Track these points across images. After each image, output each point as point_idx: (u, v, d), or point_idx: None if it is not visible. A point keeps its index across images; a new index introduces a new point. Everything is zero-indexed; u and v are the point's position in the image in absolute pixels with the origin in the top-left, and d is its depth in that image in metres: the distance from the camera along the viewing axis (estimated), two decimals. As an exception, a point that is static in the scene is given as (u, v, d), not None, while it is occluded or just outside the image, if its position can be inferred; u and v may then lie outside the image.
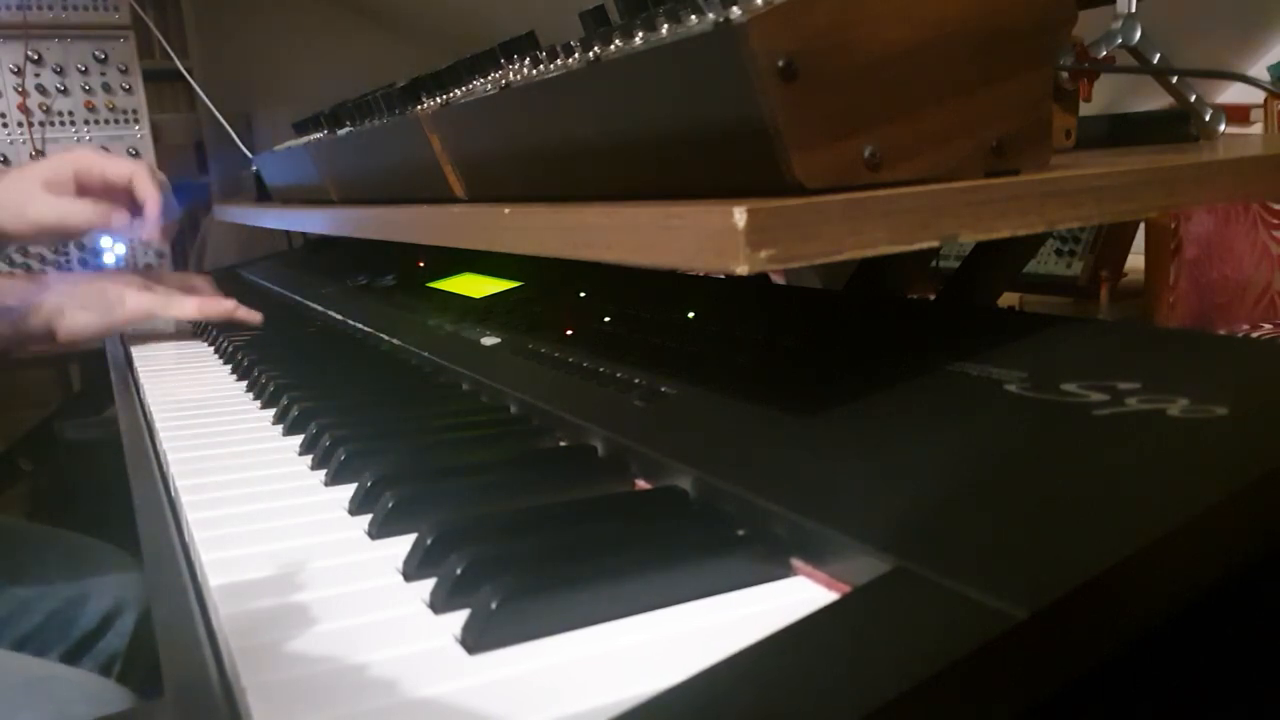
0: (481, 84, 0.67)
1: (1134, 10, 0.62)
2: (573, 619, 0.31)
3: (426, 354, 0.72)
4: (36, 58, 1.63)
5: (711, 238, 0.35)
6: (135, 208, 0.97)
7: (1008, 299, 0.99)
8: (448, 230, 0.64)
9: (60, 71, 1.65)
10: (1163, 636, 0.27)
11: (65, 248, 1.60)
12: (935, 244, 0.37)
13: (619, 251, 0.41)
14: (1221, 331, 0.93)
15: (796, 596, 0.32)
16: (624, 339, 0.61)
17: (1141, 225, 0.99)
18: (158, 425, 0.63)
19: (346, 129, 0.92)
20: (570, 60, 0.53)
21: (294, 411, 0.59)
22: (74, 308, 0.88)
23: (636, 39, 0.46)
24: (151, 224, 0.96)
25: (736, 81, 0.37)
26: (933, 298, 0.73)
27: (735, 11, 0.37)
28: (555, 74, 0.51)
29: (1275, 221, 0.96)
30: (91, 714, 0.64)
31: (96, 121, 1.68)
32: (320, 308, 1.05)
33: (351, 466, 0.48)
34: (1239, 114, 1.17)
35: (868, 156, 0.38)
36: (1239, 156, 0.49)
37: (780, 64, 0.35)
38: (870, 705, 0.22)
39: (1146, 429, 0.33)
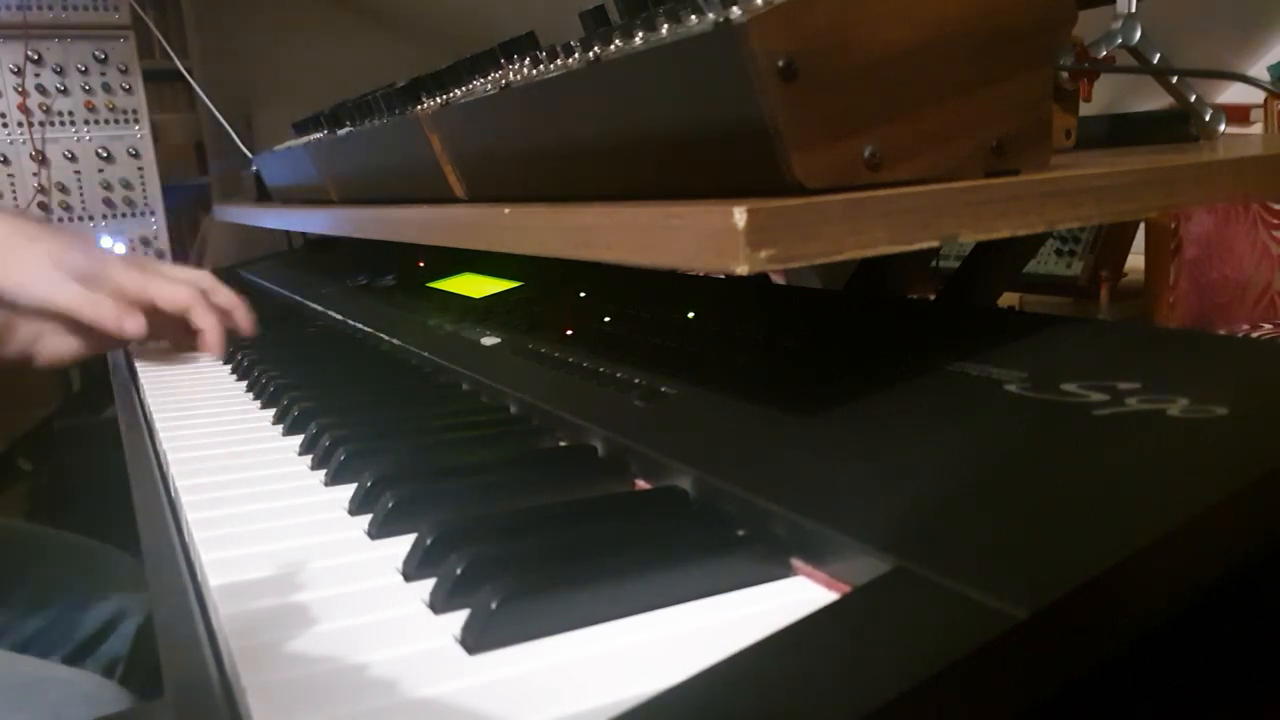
0: (481, 84, 0.67)
1: (1134, 10, 0.62)
2: (573, 619, 0.31)
3: (426, 354, 0.72)
4: (36, 58, 1.63)
5: (711, 238, 0.35)
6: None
7: (1008, 299, 0.99)
8: (448, 230, 0.64)
9: (60, 71, 1.65)
10: (1163, 636, 0.27)
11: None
12: (935, 244, 0.37)
13: (619, 251, 0.41)
14: (1221, 331, 0.93)
15: (796, 596, 0.32)
16: (624, 339, 0.61)
17: (1141, 225, 0.99)
18: (158, 425, 0.63)
19: (346, 129, 0.92)
20: (570, 60, 0.53)
21: (294, 411, 0.59)
22: (53, 330, 0.76)
23: (636, 39, 0.46)
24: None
25: (736, 81, 0.37)
26: (933, 298, 0.73)
27: (735, 11, 0.37)
28: (555, 74, 0.51)
29: (1275, 221, 0.96)
30: (89, 715, 0.64)
31: (96, 121, 1.68)
32: (320, 308, 1.05)
33: (351, 466, 0.48)
34: (1239, 114, 1.17)
35: (868, 156, 0.38)
36: (1239, 156, 0.49)
37: (780, 64, 0.35)
38: (870, 705, 0.22)
39: (1146, 429, 0.33)
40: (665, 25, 0.44)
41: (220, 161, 2.02)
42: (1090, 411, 0.35)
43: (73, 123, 1.66)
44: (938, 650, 0.24)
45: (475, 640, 0.30)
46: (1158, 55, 0.63)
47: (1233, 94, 1.33)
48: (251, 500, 0.46)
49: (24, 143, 1.63)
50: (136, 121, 1.71)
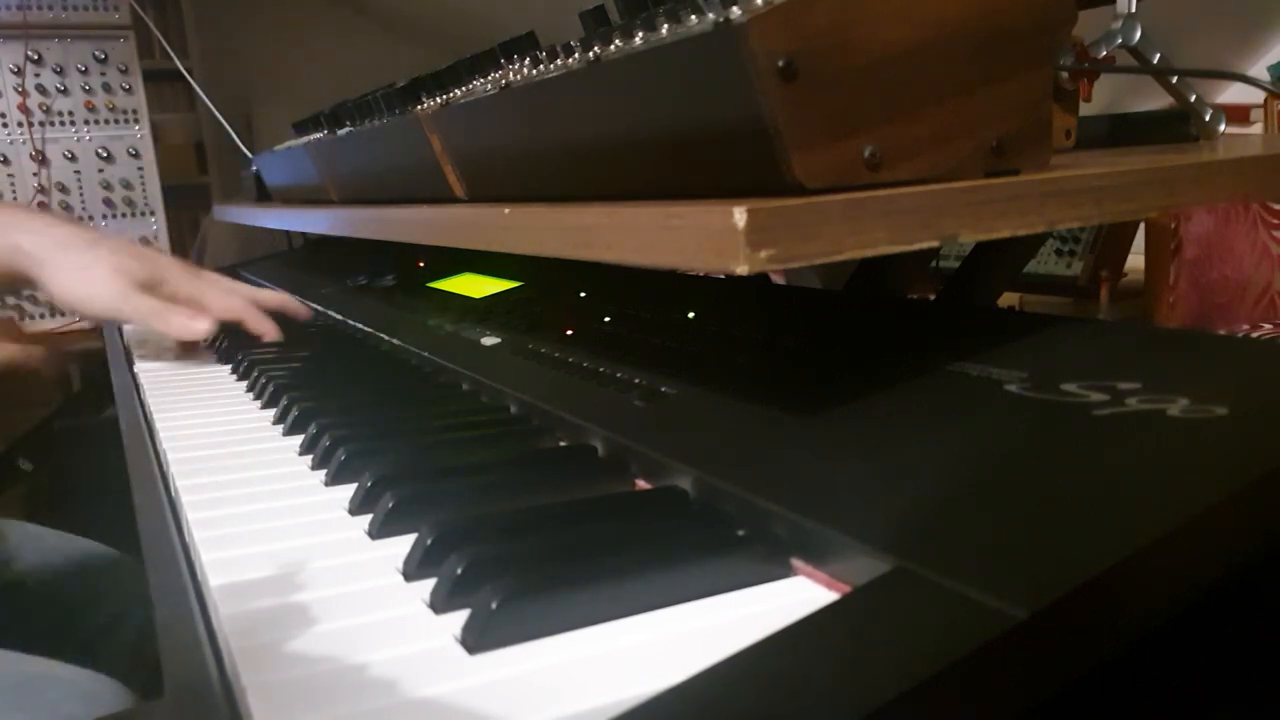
0: (481, 84, 0.67)
1: (1134, 10, 0.62)
2: (573, 619, 0.31)
3: (426, 354, 0.72)
4: (36, 58, 1.63)
5: (711, 238, 0.35)
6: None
7: (1008, 299, 0.99)
8: (448, 230, 0.64)
9: (60, 71, 1.65)
10: (1163, 636, 0.27)
11: None
12: (935, 244, 0.37)
13: (619, 251, 0.41)
14: (1221, 331, 0.93)
15: (796, 596, 0.32)
16: (624, 339, 0.61)
17: (1141, 225, 0.99)
18: (158, 425, 0.63)
19: (346, 129, 0.92)
20: (570, 60, 0.53)
21: (294, 412, 0.59)
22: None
23: (636, 39, 0.46)
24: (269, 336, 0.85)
25: (736, 81, 0.37)
26: (933, 298, 0.73)
27: (735, 11, 0.37)
28: (555, 74, 0.51)
29: (1275, 221, 0.96)
30: (88, 714, 0.64)
31: (96, 121, 1.68)
32: (320, 308, 1.05)
33: (352, 466, 0.48)
34: (1239, 114, 1.17)
35: (868, 156, 0.38)
36: (1239, 156, 0.49)
37: (780, 64, 0.35)
38: (870, 705, 0.22)
39: (1146, 429, 0.33)
40: (665, 25, 0.44)
41: (220, 161, 2.02)
42: (1090, 411, 0.35)
43: (73, 123, 1.67)
44: (938, 650, 0.24)
45: (475, 640, 0.30)
46: (1158, 55, 0.63)
47: (1233, 94, 1.33)
48: (252, 500, 0.46)
49: (24, 143, 1.63)
50: (136, 121, 1.71)
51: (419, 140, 0.71)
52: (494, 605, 0.30)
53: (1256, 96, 1.15)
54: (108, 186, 1.69)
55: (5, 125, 1.62)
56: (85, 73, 1.67)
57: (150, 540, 0.44)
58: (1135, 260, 1.03)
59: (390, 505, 0.41)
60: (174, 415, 0.66)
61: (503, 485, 0.44)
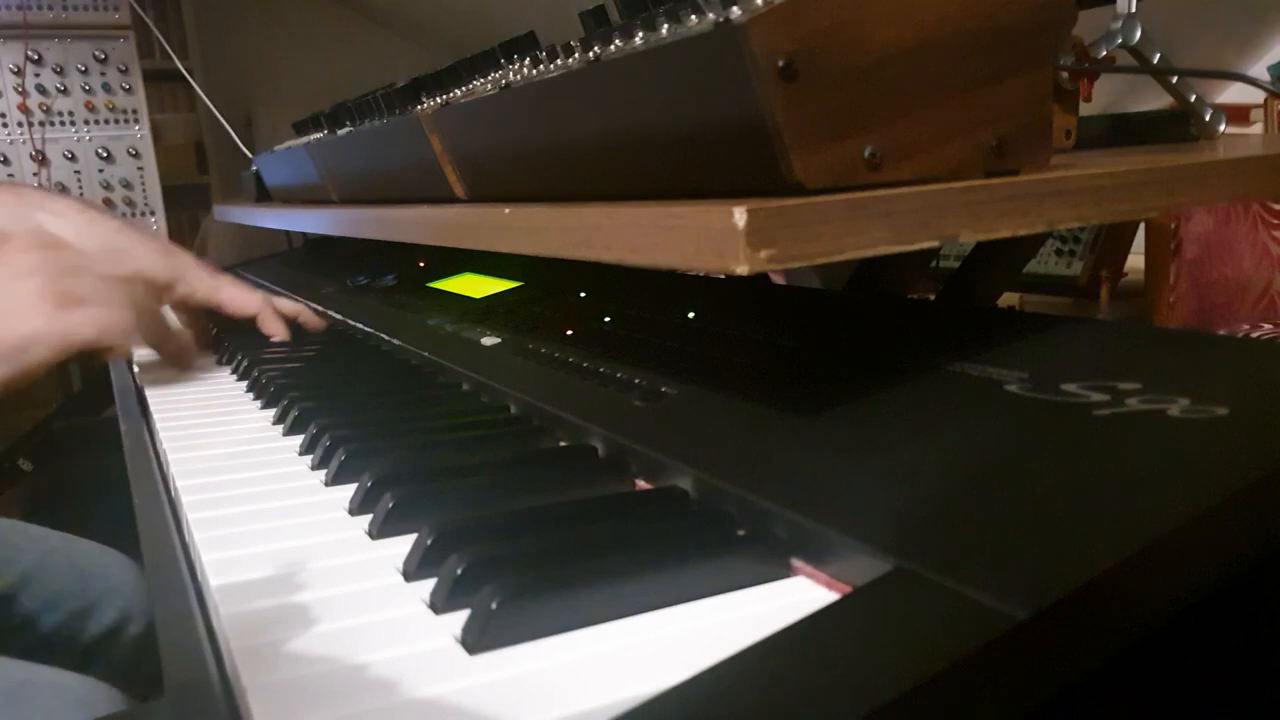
0: (481, 84, 0.67)
1: (1134, 10, 0.62)
2: (573, 619, 0.31)
3: (426, 354, 0.72)
4: (36, 58, 1.63)
5: (711, 238, 0.35)
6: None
7: (1008, 299, 0.99)
8: (448, 230, 0.64)
9: (60, 71, 1.65)
10: (1163, 636, 0.27)
11: None
12: (935, 244, 0.37)
13: (619, 251, 0.41)
14: (1221, 331, 0.93)
15: (796, 596, 0.32)
16: (624, 339, 0.61)
17: (1141, 225, 0.99)
18: (158, 425, 0.63)
19: (346, 129, 0.92)
20: (570, 60, 0.53)
21: (294, 412, 0.59)
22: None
23: (636, 39, 0.46)
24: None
25: (736, 81, 0.37)
26: (933, 298, 0.73)
27: (735, 11, 0.37)
28: (555, 74, 0.51)
29: (1275, 221, 0.96)
30: (81, 719, 0.64)
31: (96, 121, 1.68)
32: (320, 308, 1.05)
33: (352, 467, 0.48)
34: (1239, 114, 1.17)
35: (868, 156, 0.38)
36: (1239, 156, 0.49)
37: (780, 64, 0.35)
38: (870, 705, 0.22)
39: (1146, 429, 0.33)
40: (665, 25, 0.44)
41: (220, 161, 2.02)
42: (1090, 411, 0.35)
43: (73, 123, 1.67)
44: (938, 650, 0.24)
45: (475, 640, 0.30)
46: (1158, 55, 0.63)
47: (1233, 94, 1.33)
48: (252, 500, 0.46)
49: (24, 143, 1.63)
50: (136, 121, 1.71)
51: (419, 140, 0.71)
52: (494, 605, 0.30)
53: (1256, 96, 1.15)
54: (108, 186, 1.69)
55: (5, 125, 1.62)
56: (85, 73, 1.67)
57: (150, 540, 0.44)
58: (1135, 260, 1.03)
59: (390, 505, 0.41)
60: (174, 415, 0.65)
61: (503, 485, 0.44)
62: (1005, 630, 0.24)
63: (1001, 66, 0.41)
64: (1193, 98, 0.64)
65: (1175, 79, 0.64)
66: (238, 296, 0.83)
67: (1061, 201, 0.40)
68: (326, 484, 0.48)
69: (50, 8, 1.63)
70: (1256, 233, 0.96)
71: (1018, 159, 0.42)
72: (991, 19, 0.40)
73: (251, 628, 0.32)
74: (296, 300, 0.94)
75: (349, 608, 0.34)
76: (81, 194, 1.68)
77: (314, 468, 0.51)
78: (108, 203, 1.70)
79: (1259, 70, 1.36)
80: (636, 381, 0.52)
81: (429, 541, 0.36)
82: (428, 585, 0.34)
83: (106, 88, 1.68)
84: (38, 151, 1.64)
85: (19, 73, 1.62)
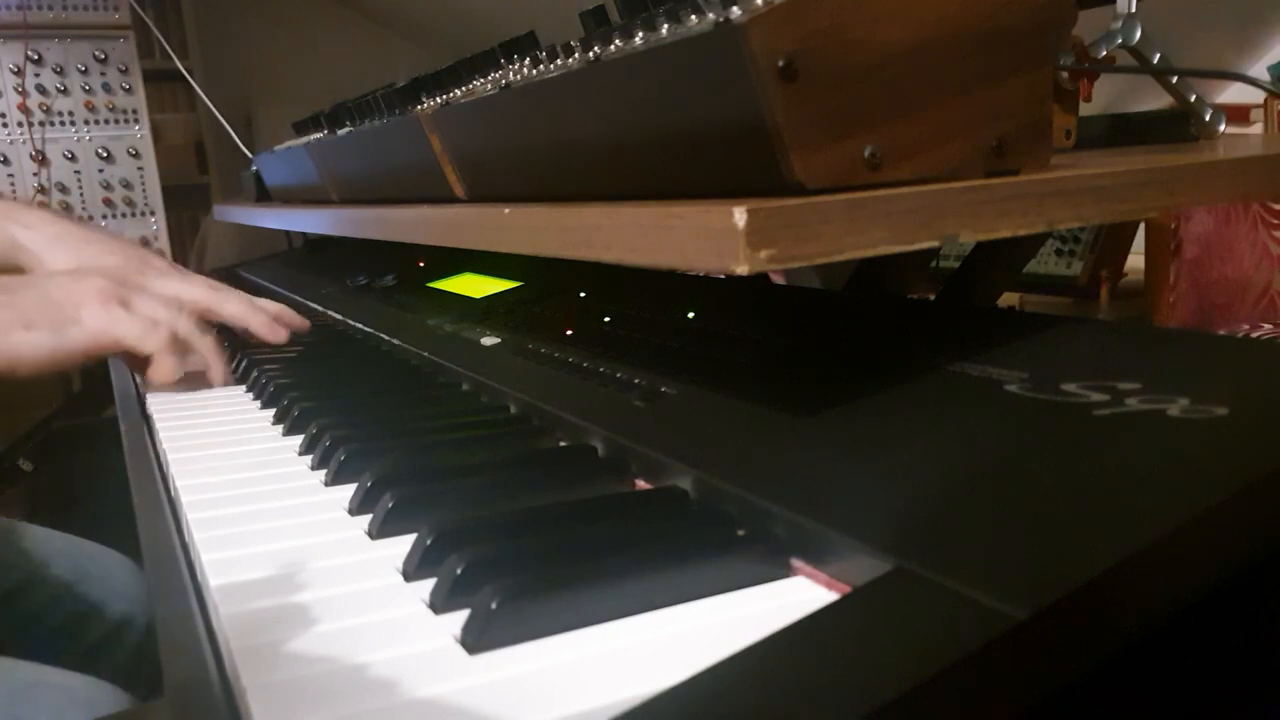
0: (481, 84, 0.67)
1: (1134, 10, 0.62)
2: (573, 619, 0.31)
3: (426, 354, 0.72)
4: (36, 58, 1.63)
5: (711, 238, 0.35)
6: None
7: (1008, 299, 0.99)
8: (448, 230, 0.64)
9: (60, 71, 1.65)
10: (1163, 636, 0.27)
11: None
12: (935, 244, 0.37)
13: (619, 251, 0.41)
14: (1221, 331, 0.93)
15: (796, 596, 0.32)
16: (624, 339, 0.61)
17: (1141, 225, 0.99)
18: (158, 425, 0.63)
19: (346, 129, 0.92)
20: (570, 60, 0.53)
21: (294, 412, 0.59)
22: (8, 326, 0.66)
23: (636, 39, 0.46)
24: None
25: (736, 81, 0.37)
26: (933, 298, 0.73)
27: (735, 11, 0.37)
28: (555, 74, 0.51)
29: (1275, 221, 0.96)
30: (85, 718, 0.64)
31: (96, 121, 1.68)
32: (320, 308, 1.05)
33: (351, 467, 0.48)
34: (1239, 114, 1.17)
35: (868, 156, 0.38)
36: (1239, 156, 0.49)
37: (780, 64, 0.35)
38: (870, 705, 0.22)
39: (1146, 429, 0.33)
40: (665, 25, 0.44)
41: (220, 161, 2.02)
42: (1090, 411, 0.35)
43: (73, 123, 1.67)
44: (938, 650, 0.24)
45: (475, 640, 0.30)
46: (1158, 55, 0.63)
47: (1233, 94, 1.33)
48: (252, 500, 0.46)
49: (24, 143, 1.63)
50: (136, 121, 1.71)
51: (419, 140, 0.71)
52: (494, 605, 0.30)
53: (1256, 96, 1.15)
54: (108, 186, 1.70)
55: (5, 125, 1.62)
56: (85, 73, 1.67)
57: (150, 540, 0.44)
58: (1135, 260, 1.03)
59: (390, 505, 0.41)
60: (174, 415, 0.65)
61: (503, 485, 0.44)
62: (1005, 630, 0.24)
63: (1001, 66, 0.41)
64: (1193, 98, 0.65)
65: (1175, 79, 0.64)
66: (233, 307, 0.81)
67: (1061, 201, 0.40)
68: (326, 484, 0.48)
69: (50, 8, 1.63)
70: (1256, 233, 0.96)
71: (1018, 159, 0.42)
72: (991, 19, 0.40)
73: (251, 628, 0.32)
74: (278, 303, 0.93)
75: (349, 608, 0.34)
76: (82, 194, 1.68)
77: (314, 468, 0.51)
78: (107, 203, 1.70)
79: (1259, 70, 1.36)
80: (636, 381, 0.52)
81: (429, 541, 0.36)
82: (427, 585, 0.34)
83: (106, 88, 1.68)
84: (38, 151, 1.64)
85: (19, 73, 1.62)
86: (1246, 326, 0.93)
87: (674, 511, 0.40)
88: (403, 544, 0.38)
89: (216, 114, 1.71)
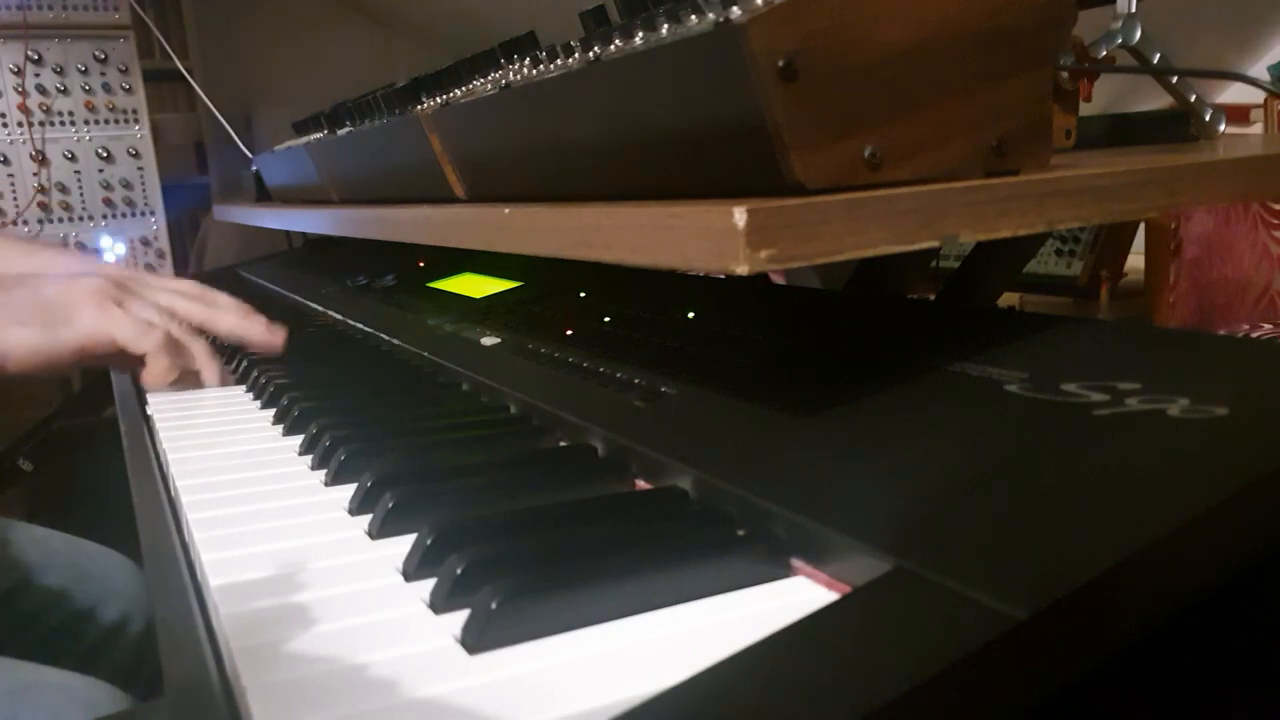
0: (481, 84, 0.67)
1: (1134, 10, 0.62)
2: (573, 619, 0.31)
3: (426, 354, 0.72)
4: (36, 58, 1.63)
5: (711, 238, 0.35)
6: None
7: (1008, 299, 0.99)
8: (448, 230, 0.64)
9: (60, 71, 1.65)
10: (1163, 636, 0.27)
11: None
12: (935, 244, 0.37)
13: (619, 251, 0.41)
14: (1221, 331, 0.93)
15: (796, 596, 0.32)
16: (624, 339, 0.61)
17: (1141, 225, 0.99)
18: (158, 425, 0.63)
19: (346, 129, 0.92)
20: (570, 60, 0.53)
21: (294, 412, 0.59)
22: (3, 321, 0.66)
23: (636, 39, 0.46)
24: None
25: (736, 81, 0.37)
26: (933, 298, 0.73)
27: (735, 11, 0.37)
28: (555, 74, 0.51)
29: (1275, 221, 0.96)
30: (85, 718, 0.64)
31: (96, 121, 1.68)
32: (320, 308, 1.05)
33: (351, 466, 0.48)
34: (1239, 114, 1.17)
35: (868, 156, 0.38)
36: (1239, 156, 0.49)
37: (780, 64, 0.35)
38: (870, 705, 0.22)
39: (1146, 429, 0.33)
40: (665, 25, 0.44)
41: (220, 161, 2.02)
42: (1090, 411, 0.35)
43: (73, 123, 1.67)
44: (938, 650, 0.24)
45: (475, 640, 0.30)
46: (1158, 55, 0.63)
47: (1233, 94, 1.33)
48: (251, 500, 0.46)
49: (24, 143, 1.63)
50: (136, 121, 1.71)
51: (419, 140, 0.71)
52: (494, 605, 0.30)
53: (1256, 96, 1.15)
54: (108, 186, 1.69)
55: (5, 125, 1.62)
56: (85, 73, 1.67)
57: (150, 540, 0.44)
58: (1135, 260, 1.03)
59: (390, 505, 0.41)
60: (174, 415, 0.65)
61: (503, 485, 0.44)
62: (1005, 630, 0.24)
63: (1001, 66, 0.41)
64: (1193, 98, 0.65)
65: (1175, 79, 0.64)
66: (225, 320, 0.81)
67: (1061, 201, 0.40)
68: (326, 484, 0.48)
69: (50, 8, 1.63)
70: (1256, 233, 0.96)
71: (1018, 159, 0.42)
72: (991, 19, 0.40)
73: (251, 628, 0.32)
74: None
75: (349, 608, 0.34)
76: (82, 194, 1.68)
77: (314, 468, 0.51)
78: (107, 202, 1.70)
79: (1259, 70, 1.36)
80: (636, 381, 0.52)
81: (429, 541, 0.36)
82: (427, 585, 0.34)
83: (106, 88, 1.68)
84: (38, 151, 1.64)
85: (19, 73, 1.62)
86: (1246, 326, 0.93)
87: (674, 511, 0.40)
88: (403, 544, 0.38)
89: (216, 114, 1.71)
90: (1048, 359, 0.41)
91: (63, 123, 1.66)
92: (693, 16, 0.42)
